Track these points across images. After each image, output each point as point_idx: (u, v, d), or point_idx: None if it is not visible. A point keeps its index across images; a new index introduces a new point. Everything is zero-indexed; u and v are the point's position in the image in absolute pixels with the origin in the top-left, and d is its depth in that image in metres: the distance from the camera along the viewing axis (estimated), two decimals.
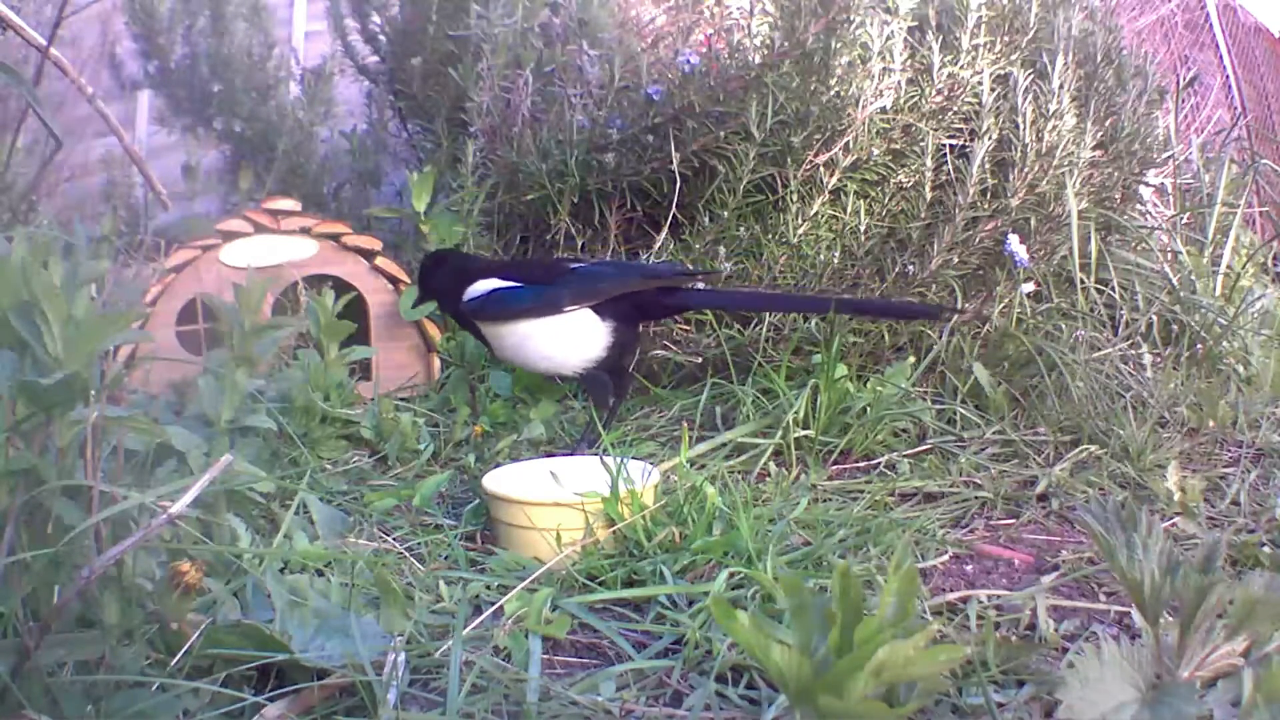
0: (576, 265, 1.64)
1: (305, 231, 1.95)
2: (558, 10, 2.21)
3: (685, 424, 1.65)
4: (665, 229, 1.91)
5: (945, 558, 1.25)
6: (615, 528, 1.22)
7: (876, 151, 1.92)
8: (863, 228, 1.93)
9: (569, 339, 1.59)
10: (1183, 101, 3.60)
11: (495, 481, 1.33)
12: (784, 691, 0.69)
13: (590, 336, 1.59)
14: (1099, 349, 1.87)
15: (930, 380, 1.86)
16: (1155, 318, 2.05)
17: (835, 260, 1.92)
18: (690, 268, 1.80)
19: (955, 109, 1.97)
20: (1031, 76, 1.96)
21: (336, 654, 0.90)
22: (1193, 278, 2.16)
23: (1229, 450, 1.65)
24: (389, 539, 1.30)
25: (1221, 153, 2.61)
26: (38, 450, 0.79)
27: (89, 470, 0.81)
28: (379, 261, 1.98)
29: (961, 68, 1.96)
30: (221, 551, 1.02)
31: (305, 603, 0.94)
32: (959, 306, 1.90)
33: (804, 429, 1.63)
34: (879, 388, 1.74)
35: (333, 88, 2.83)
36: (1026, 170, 1.96)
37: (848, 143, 1.90)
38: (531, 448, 1.68)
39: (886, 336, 1.94)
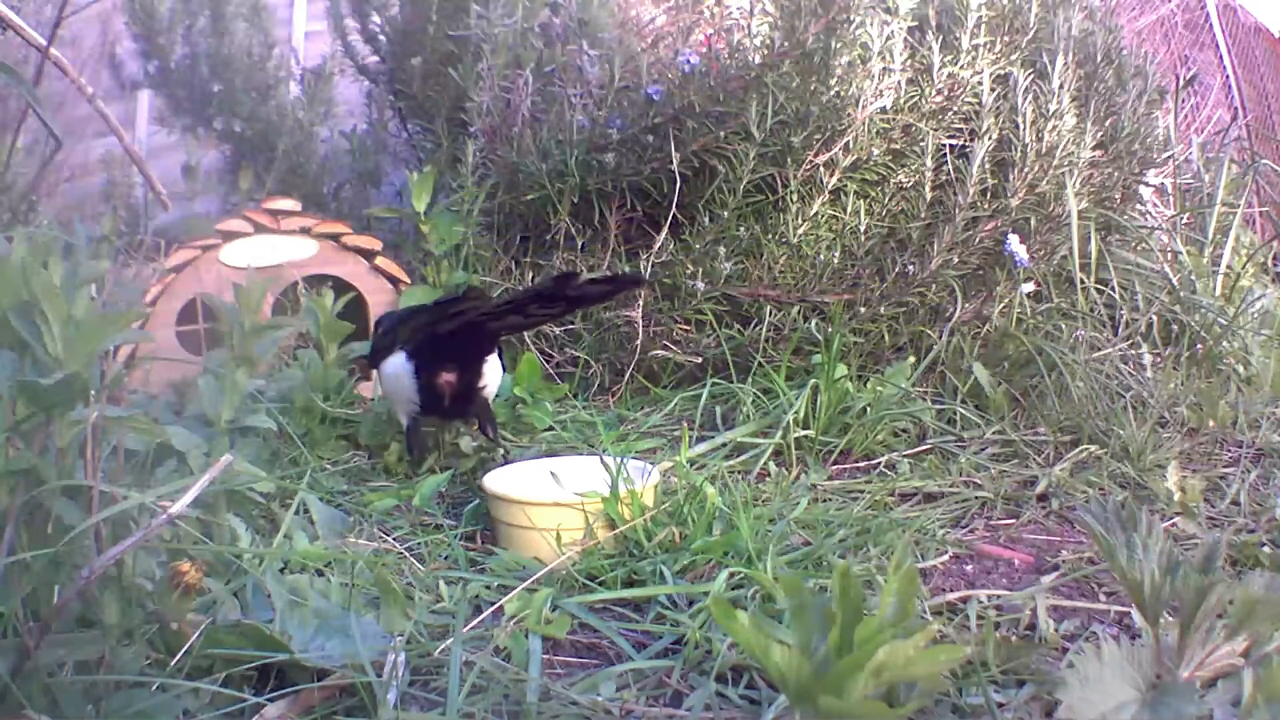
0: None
1: (305, 231, 1.95)
2: (558, 10, 2.21)
3: (685, 424, 1.66)
4: (665, 229, 1.91)
5: (945, 558, 1.25)
6: (617, 531, 1.22)
7: (876, 151, 1.92)
8: (863, 228, 1.93)
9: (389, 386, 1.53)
10: (1183, 101, 3.60)
11: (495, 481, 1.33)
12: (784, 691, 0.69)
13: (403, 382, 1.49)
14: (1099, 349, 1.87)
15: (930, 380, 1.86)
16: (1155, 318, 2.05)
17: (835, 260, 1.92)
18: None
19: (955, 109, 1.97)
20: (1031, 76, 1.97)
21: (336, 654, 0.90)
22: (1193, 278, 2.16)
23: (1229, 450, 1.65)
24: (389, 539, 1.30)
25: (1221, 153, 2.61)
26: (38, 450, 0.79)
27: (89, 470, 0.81)
28: (379, 261, 1.98)
29: (961, 68, 1.96)
30: (221, 551, 1.02)
31: (305, 603, 0.94)
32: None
33: (804, 429, 1.63)
34: (879, 388, 1.74)
35: (333, 88, 2.83)
36: (1026, 170, 1.96)
37: (848, 143, 1.90)
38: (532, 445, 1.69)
39: (886, 336, 1.94)
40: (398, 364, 1.48)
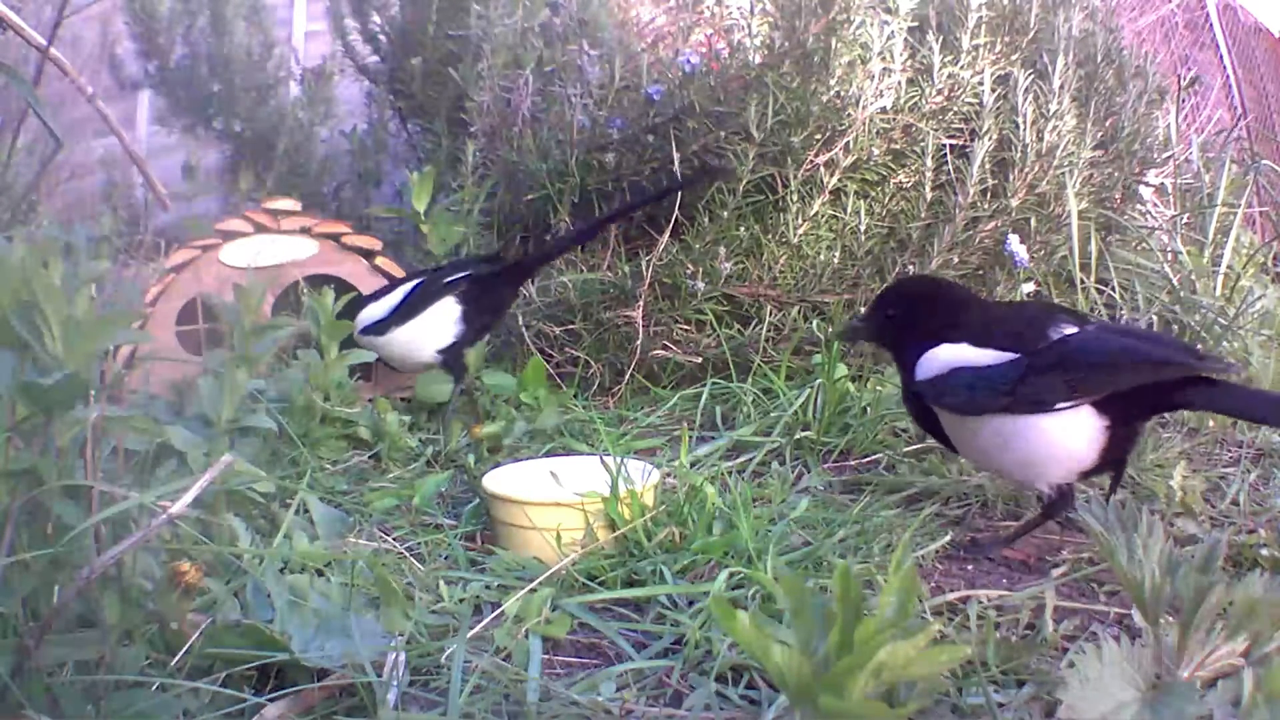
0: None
1: (305, 231, 1.95)
2: (558, 10, 2.22)
3: (685, 424, 1.66)
4: (668, 229, 1.91)
5: (945, 558, 1.25)
6: (618, 533, 1.22)
7: (876, 151, 1.92)
8: (863, 228, 1.93)
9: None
10: (1183, 102, 3.59)
11: (495, 481, 1.33)
12: (784, 691, 0.69)
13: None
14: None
15: None
16: (1155, 318, 2.05)
17: (835, 260, 1.92)
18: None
19: (955, 109, 1.97)
20: (1032, 77, 1.97)
21: (336, 654, 0.90)
22: (1193, 278, 2.15)
23: (1229, 450, 1.65)
24: (389, 539, 1.30)
25: (1222, 153, 2.61)
26: (38, 450, 0.79)
27: (89, 470, 0.81)
28: (379, 261, 1.98)
29: (962, 68, 1.96)
30: (221, 551, 1.02)
31: (305, 603, 0.94)
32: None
33: (804, 429, 1.63)
34: (879, 388, 1.74)
35: (333, 88, 2.83)
36: (1026, 170, 1.96)
37: (848, 143, 1.90)
38: (532, 443, 1.69)
39: None
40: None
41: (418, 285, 1.83)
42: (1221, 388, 1.20)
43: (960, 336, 1.27)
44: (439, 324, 1.82)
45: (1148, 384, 1.18)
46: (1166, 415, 1.71)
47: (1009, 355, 1.23)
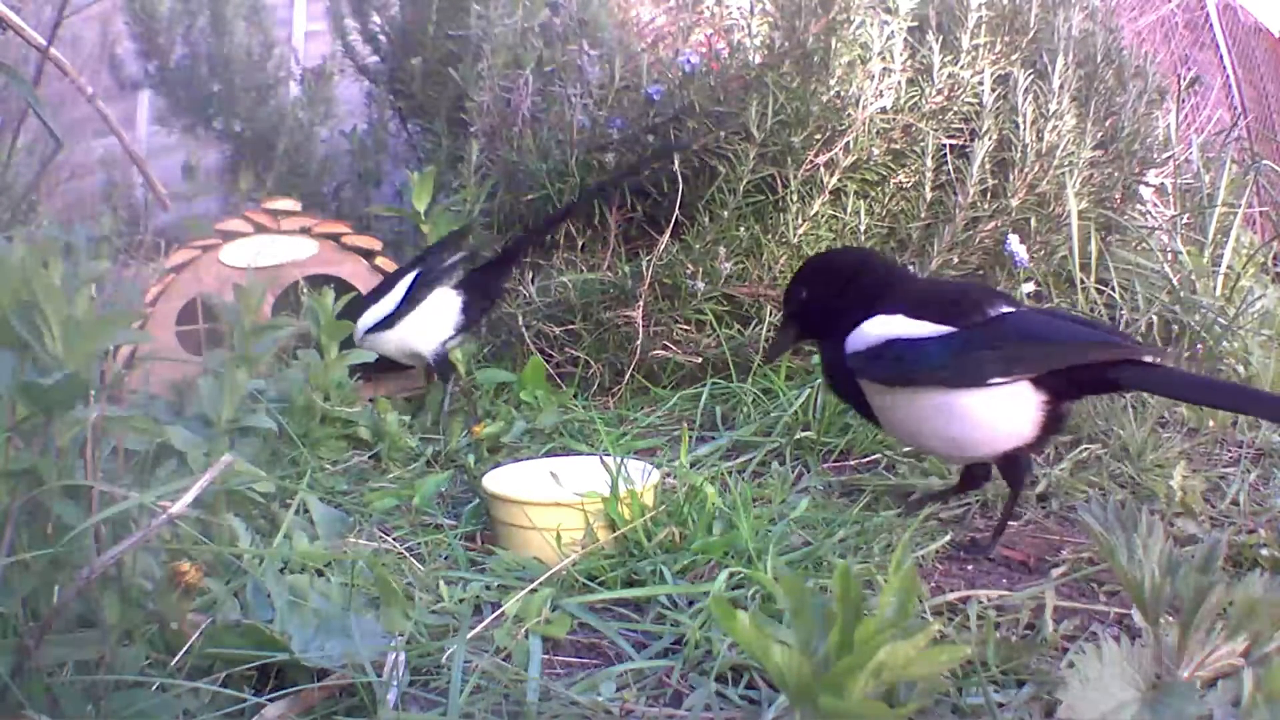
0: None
1: (305, 231, 1.95)
2: (558, 10, 2.22)
3: (685, 424, 1.66)
4: (669, 229, 1.91)
5: (945, 558, 1.25)
6: (618, 533, 1.22)
7: (876, 151, 1.93)
8: (863, 228, 1.93)
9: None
10: (1183, 101, 3.59)
11: (495, 481, 1.33)
12: (784, 691, 0.69)
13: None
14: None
15: None
16: (1155, 318, 2.05)
17: None
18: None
19: (955, 109, 1.98)
20: (1031, 76, 1.97)
21: (336, 654, 0.90)
22: (1193, 278, 2.15)
23: (1229, 450, 1.65)
24: (389, 539, 1.30)
25: (1222, 153, 2.61)
26: (38, 450, 0.79)
27: (89, 470, 0.81)
28: (379, 261, 1.98)
29: (962, 68, 1.96)
30: (221, 551, 1.02)
31: (305, 603, 0.94)
32: None
33: (804, 429, 1.63)
34: None
35: (333, 88, 2.83)
36: (1026, 170, 1.96)
37: (848, 143, 1.90)
38: (533, 442, 1.69)
39: None
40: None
41: (418, 277, 1.83)
42: (1154, 370, 1.22)
43: (894, 308, 1.26)
44: (439, 316, 1.83)
45: (1081, 364, 1.19)
46: (1166, 415, 1.71)
47: (945, 328, 1.22)
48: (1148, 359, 1.20)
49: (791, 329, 1.41)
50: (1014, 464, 1.26)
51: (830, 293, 1.33)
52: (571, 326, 1.99)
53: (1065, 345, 1.21)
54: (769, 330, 1.89)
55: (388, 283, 1.86)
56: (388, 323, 1.81)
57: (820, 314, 1.35)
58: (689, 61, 1.89)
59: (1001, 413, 1.21)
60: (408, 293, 1.82)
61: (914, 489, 1.46)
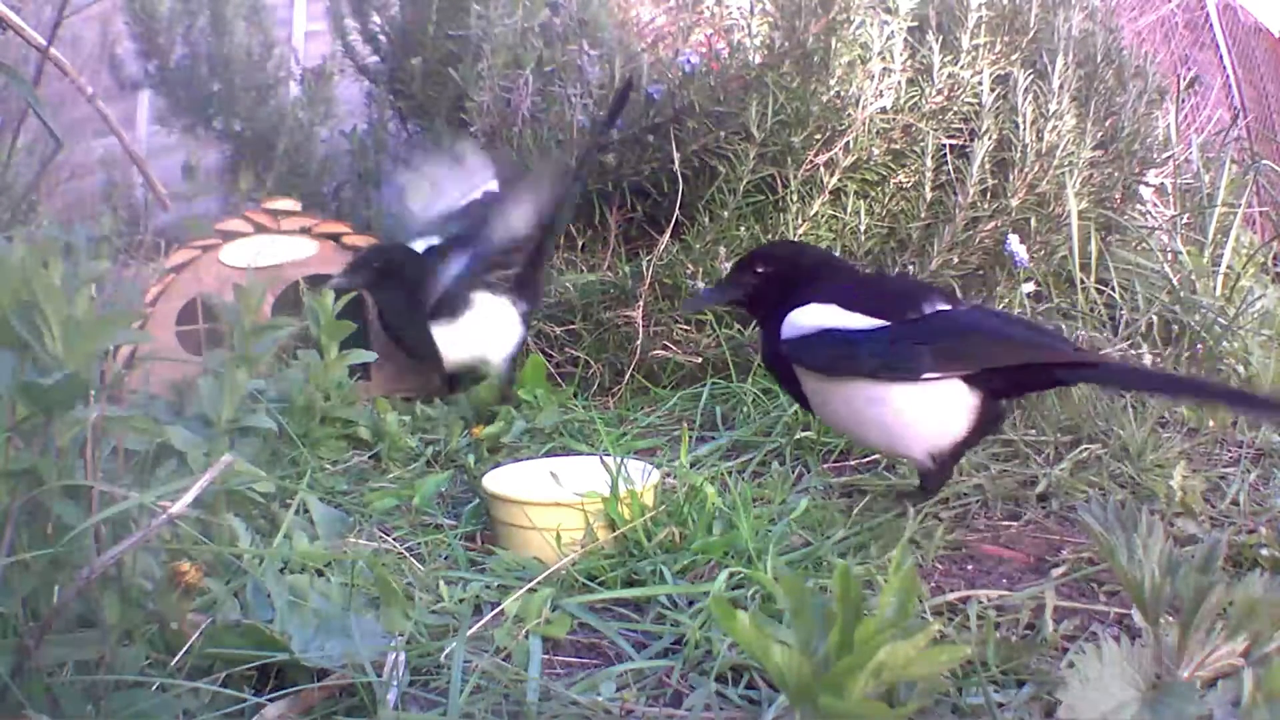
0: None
1: (305, 231, 1.95)
2: (558, 10, 2.22)
3: (685, 424, 1.66)
4: (669, 229, 1.91)
5: (945, 558, 1.25)
6: (618, 532, 1.22)
7: (876, 151, 1.93)
8: (863, 228, 1.93)
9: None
10: (1183, 101, 3.60)
11: (495, 481, 1.33)
12: (784, 691, 0.69)
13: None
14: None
15: None
16: (1155, 318, 2.05)
17: None
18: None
19: (955, 109, 1.98)
20: (1031, 76, 1.97)
21: (336, 654, 0.90)
22: (1193, 278, 2.15)
23: (1229, 450, 1.64)
24: (389, 539, 1.30)
25: (1221, 153, 2.61)
26: (38, 450, 0.79)
27: (89, 470, 0.81)
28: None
29: (961, 68, 1.96)
30: (221, 551, 1.02)
31: (305, 603, 0.94)
32: None
33: (804, 429, 1.63)
34: None
35: (333, 88, 2.83)
36: (1026, 170, 1.96)
37: (848, 143, 1.90)
38: (533, 441, 1.69)
39: None
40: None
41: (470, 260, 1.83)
42: (1103, 367, 1.27)
43: (828, 299, 1.28)
44: (505, 326, 1.87)
45: (1018, 364, 1.21)
46: (1166, 415, 1.71)
47: (878, 322, 1.24)
48: (1088, 360, 1.23)
49: (729, 295, 1.43)
50: (940, 467, 1.27)
51: (777, 277, 1.36)
52: (571, 326, 1.99)
53: (1000, 344, 1.22)
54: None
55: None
56: (449, 310, 1.82)
57: (763, 296, 1.37)
58: (689, 61, 1.90)
59: (934, 408, 1.23)
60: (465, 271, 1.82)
61: (914, 489, 1.46)
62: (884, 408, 1.24)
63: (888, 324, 1.24)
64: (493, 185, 2.02)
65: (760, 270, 1.37)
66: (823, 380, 1.29)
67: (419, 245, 1.90)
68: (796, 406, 1.66)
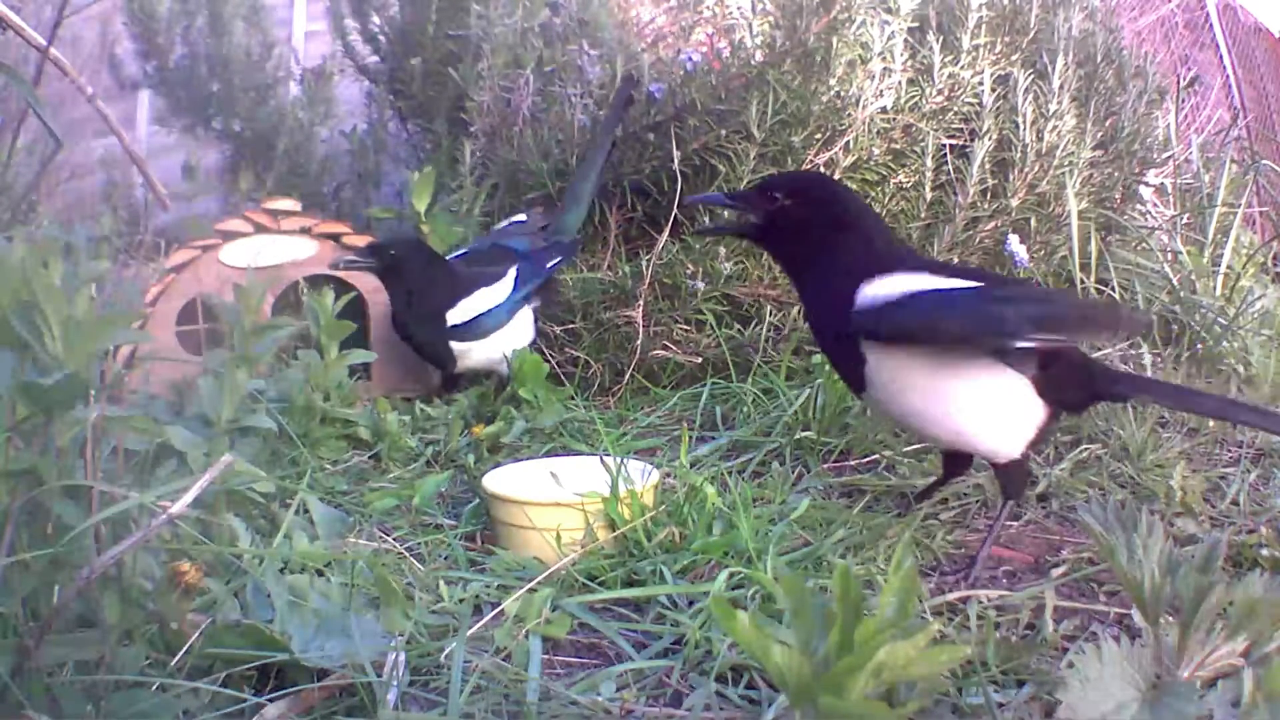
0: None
1: (305, 231, 1.95)
2: (558, 10, 2.22)
3: (685, 424, 1.65)
4: (667, 228, 1.91)
5: (945, 558, 1.25)
6: (618, 532, 1.22)
7: (877, 151, 1.93)
8: None
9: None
10: (1183, 101, 3.59)
11: (495, 481, 1.33)
12: (784, 691, 0.69)
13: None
14: (1099, 349, 1.87)
15: None
16: (1155, 318, 2.05)
17: None
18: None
19: (955, 109, 1.97)
20: (1032, 77, 1.97)
21: (336, 654, 0.90)
22: (1193, 278, 2.15)
23: (1229, 450, 1.64)
24: (389, 539, 1.30)
25: (1221, 153, 2.61)
26: (38, 450, 0.79)
27: (89, 470, 0.81)
28: None
29: (962, 68, 1.96)
30: (221, 551, 1.02)
31: (305, 603, 0.94)
32: None
33: (804, 429, 1.63)
34: None
35: (333, 88, 2.83)
36: (1026, 170, 1.96)
37: (848, 142, 1.90)
38: (533, 441, 1.69)
39: None
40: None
41: (520, 268, 1.87)
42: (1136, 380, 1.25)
43: (915, 267, 1.17)
44: (523, 327, 1.91)
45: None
46: (1166, 415, 1.71)
47: (974, 283, 1.16)
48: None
49: (739, 225, 1.28)
50: (1019, 467, 1.19)
51: (800, 214, 1.19)
52: (571, 326, 1.99)
53: (1083, 309, 1.17)
54: (769, 330, 1.89)
55: (483, 273, 1.88)
56: (493, 323, 1.85)
57: (783, 234, 1.21)
58: (690, 59, 1.90)
59: (1008, 399, 1.15)
60: (515, 292, 1.86)
61: (914, 489, 1.46)
62: (976, 391, 1.12)
63: (982, 283, 1.15)
64: (520, 215, 2.04)
65: (777, 198, 1.21)
66: (901, 356, 1.13)
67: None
68: (797, 406, 1.66)
